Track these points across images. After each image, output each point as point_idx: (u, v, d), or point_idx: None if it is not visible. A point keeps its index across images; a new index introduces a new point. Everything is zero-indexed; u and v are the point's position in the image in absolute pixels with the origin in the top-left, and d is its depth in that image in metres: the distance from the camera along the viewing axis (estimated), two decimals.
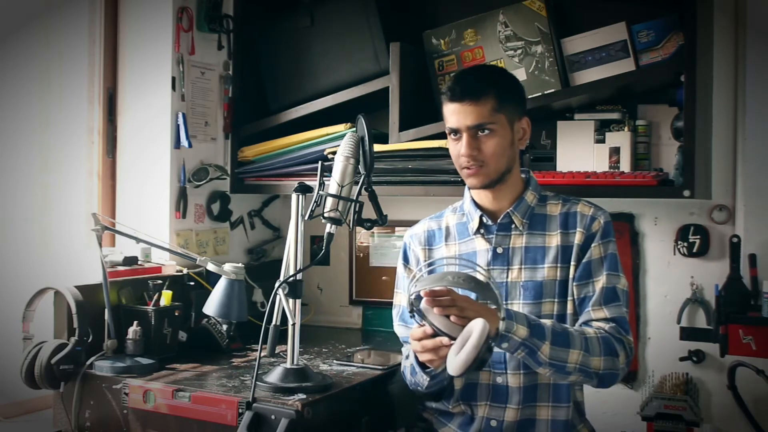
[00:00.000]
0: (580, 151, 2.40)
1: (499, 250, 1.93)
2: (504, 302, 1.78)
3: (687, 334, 2.43)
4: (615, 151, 2.36)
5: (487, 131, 1.86)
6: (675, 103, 2.29)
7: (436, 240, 2.04)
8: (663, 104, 2.38)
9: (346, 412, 2.00)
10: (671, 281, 2.46)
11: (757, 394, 2.31)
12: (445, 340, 1.67)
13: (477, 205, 1.97)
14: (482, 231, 1.96)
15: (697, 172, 2.14)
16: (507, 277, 1.92)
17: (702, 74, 2.18)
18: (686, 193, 2.13)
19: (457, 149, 1.90)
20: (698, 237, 2.41)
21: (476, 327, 1.60)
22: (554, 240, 1.91)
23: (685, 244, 2.43)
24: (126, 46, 2.62)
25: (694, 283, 2.43)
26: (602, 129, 2.41)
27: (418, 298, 1.73)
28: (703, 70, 2.21)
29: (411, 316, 1.76)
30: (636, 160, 2.39)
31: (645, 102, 2.45)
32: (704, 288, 2.42)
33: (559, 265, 1.89)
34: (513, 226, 1.94)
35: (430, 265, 1.95)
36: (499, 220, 1.94)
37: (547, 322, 1.79)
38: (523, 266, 1.91)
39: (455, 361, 1.61)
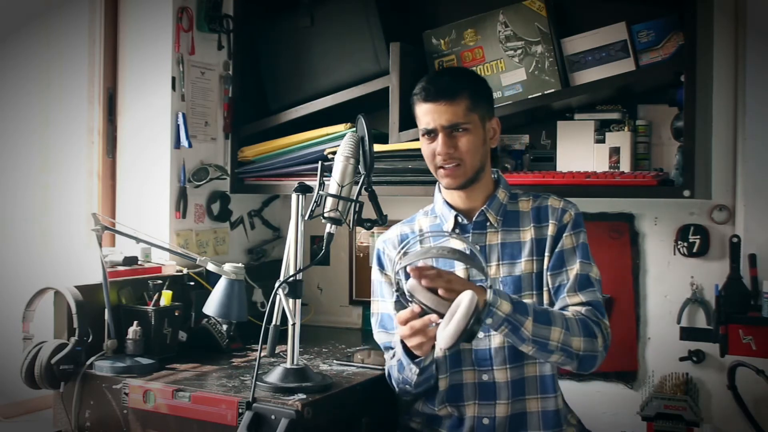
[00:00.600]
0: (580, 151, 2.40)
1: (476, 248, 1.94)
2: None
3: (687, 334, 2.43)
4: (615, 151, 2.36)
5: (462, 130, 1.89)
6: (675, 103, 2.29)
7: (410, 243, 2.04)
8: (663, 104, 2.38)
9: (346, 412, 2.00)
10: (671, 281, 2.46)
11: (757, 394, 2.31)
12: (433, 317, 1.68)
13: (450, 206, 1.98)
14: (457, 231, 1.98)
15: (697, 172, 2.14)
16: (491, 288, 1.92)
17: (702, 74, 2.18)
18: (686, 193, 2.13)
19: (431, 149, 1.93)
20: (698, 237, 2.41)
21: (465, 298, 1.62)
22: (528, 234, 1.94)
23: (685, 244, 2.43)
24: (126, 46, 2.62)
25: (694, 283, 2.43)
26: (602, 129, 2.41)
27: (405, 277, 1.73)
28: (703, 70, 2.21)
29: (397, 294, 1.77)
30: (636, 160, 2.39)
31: (645, 102, 2.45)
32: (704, 288, 2.42)
33: (534, 258, 1.93)
34: (488, 223, 1.96)
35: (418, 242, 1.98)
36: (474, 219, 1.96)
37: (527, 300, 1.83)
38: (500, 262, 1.94)
39: (445, 333, 1.62)
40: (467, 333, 1.61)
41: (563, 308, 1.88)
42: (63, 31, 2.52)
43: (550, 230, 1.93)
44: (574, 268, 1.89)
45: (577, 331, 1.80)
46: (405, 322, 1.73)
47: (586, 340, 1.81)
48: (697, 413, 2.37)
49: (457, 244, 1.94)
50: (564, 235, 1.92)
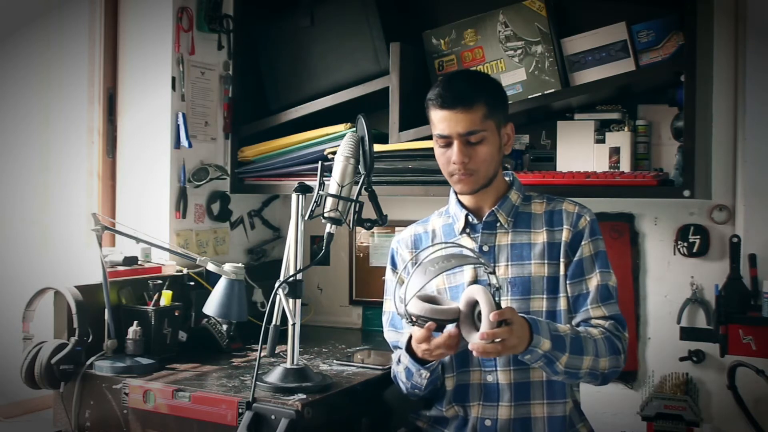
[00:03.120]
0: (580, 151, 2.40)
1: (485, 248, 1.94)
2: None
3: (687, 334, 2.43)
4: (615, 151, 2.36)
5: (479, 139, 1.87)
6: (675, 103, 2.29)
7: (423, 243, 2.04)
8: (663, 104, 2.38)
9: (346, 412, 2.00)
10: (671, 281, 2.46)
11: (757, 394, 2.31)
12: (453, 331, 1.70)
13: (462, 206, 1.98)
14: (468, 230, 1.97)
15: (697, 172, 2.14)
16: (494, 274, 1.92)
17: (702, 74, 2.18)
18: (686, 193, 2.13)
19: (447, 156, 1.90)
20: (698, 237, 2.41)
21: (480, 297, 1.65)
22: (540, 237, 1.93)
23: (685, 244, 2.43)
24: (126, 46, 2.62)
25: (694, 283, 2.43)
26: (602, 129, 2.41)
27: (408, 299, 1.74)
28: (703, 70, 2.21)
29: (408, 322, 1.76)
30: (636, 160, 2.39)
31: (645, 102, 2.45)
32: (704, 288, 2.42)
33: (546, 261, 1.91)
34: (498, 224, 1.95)
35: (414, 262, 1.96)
36: (484, 219, 1.96)
37: (564, 329, 1.79)
38: (510, 263, 1.92)
39: (477, 336, 1.64)
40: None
41: (586, 320, 1.87)
42: (63, 31, 2.52)
43: (565, 235, 1.91)
44: (594, 279, 1.88)
45: (604, 352, 1.81)
46: (423, 341, 1.74)
47: (611, 359, 1.82)
48: (697, 413, 2.37)
49: (467, 243, 1.93)
50: (582, 243, 1.90)
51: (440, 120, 1.89)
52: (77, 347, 2.08)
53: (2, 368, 2.20)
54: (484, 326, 1.63)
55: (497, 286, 1.69)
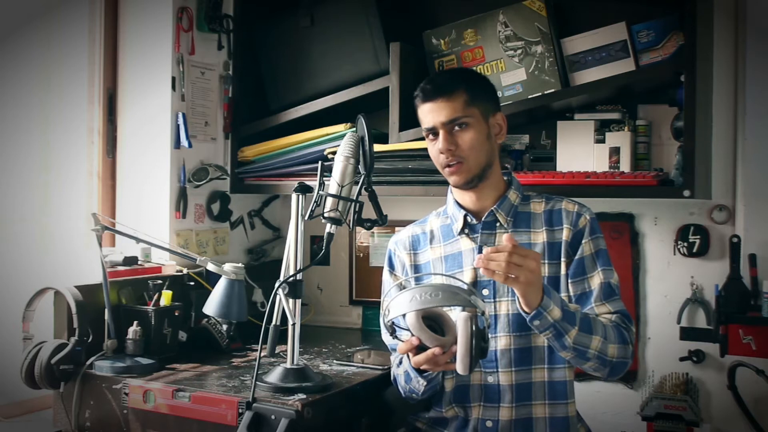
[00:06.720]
0: (580, 151, 2.40)
1: (485, 249, 1.93)
2: (485, 297, 1.83)
3: (687, 334, 2.43)
4: (615, 151, 2.36)
5: (462, 125, 1.89)
6: (675, 103, 2.29)
7: (421, 244, 2.04)
8: (663, 104, 2.38)
9: (346, 412, 2.00)
10: (671, 281, 2.46)
11: (757, 394, 2.31)
12: (436, 350, 1.68)
13: (460, 206, 1.98)
14: (467, 231, 1.97)
15: (697, 172, 2.14)
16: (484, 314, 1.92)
17: (702, 74, 2.18)
18: (686, 193, 2.13)
19: (436, 148, 1.92)
20: (698, 237, 2.41)
21: (459, 324, 1.64)
22: (540, 237, 1.93)
23: (685, 244, 2.43)
24: (126, 46, 2.62)
25: (694, 283, 2.43)
26: (602, 129, 2.41)
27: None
28: (703, 70, 2.21)
29: (393, 338, 1.78)
30: (636, 160, 2.39)
31: (645, 102, 2.45)
32: (704, 288, 2.42)
33: (546, 261, 1.90)
34: (498, 224, 1.95)
35: (401, 286, 1.99)
36: (483, 219, 1.95)
37: (574, 306, 1.81)
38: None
39: (458, 365, 1.64)
40: (477, 351, 1.63)
41: None
42: (63, 31, 2.52)
43: (565, 235, 1.91)
44: (596, 277, 1.88)
45: (613, 339, 1.81)
46: (410, 352, 1.74)
47: (620, 347, 1.81)
48: (697, 413, 2.37)
49: (466, 244, 1.92)
50: (583, 241, 1.90)
51: (425, 114, 1.92)
52: (77, 347, 2.08)
53: (2, 368, 2.20)
54: (459, 353, 1.63)
55: (488, 323, 1.67)
